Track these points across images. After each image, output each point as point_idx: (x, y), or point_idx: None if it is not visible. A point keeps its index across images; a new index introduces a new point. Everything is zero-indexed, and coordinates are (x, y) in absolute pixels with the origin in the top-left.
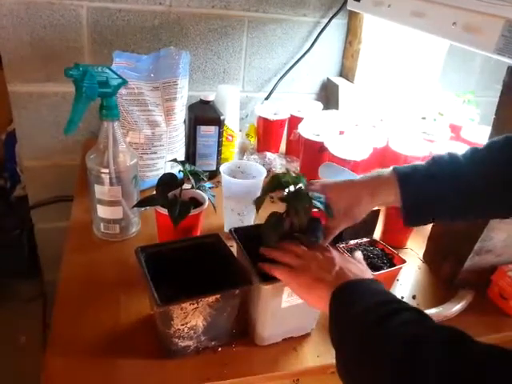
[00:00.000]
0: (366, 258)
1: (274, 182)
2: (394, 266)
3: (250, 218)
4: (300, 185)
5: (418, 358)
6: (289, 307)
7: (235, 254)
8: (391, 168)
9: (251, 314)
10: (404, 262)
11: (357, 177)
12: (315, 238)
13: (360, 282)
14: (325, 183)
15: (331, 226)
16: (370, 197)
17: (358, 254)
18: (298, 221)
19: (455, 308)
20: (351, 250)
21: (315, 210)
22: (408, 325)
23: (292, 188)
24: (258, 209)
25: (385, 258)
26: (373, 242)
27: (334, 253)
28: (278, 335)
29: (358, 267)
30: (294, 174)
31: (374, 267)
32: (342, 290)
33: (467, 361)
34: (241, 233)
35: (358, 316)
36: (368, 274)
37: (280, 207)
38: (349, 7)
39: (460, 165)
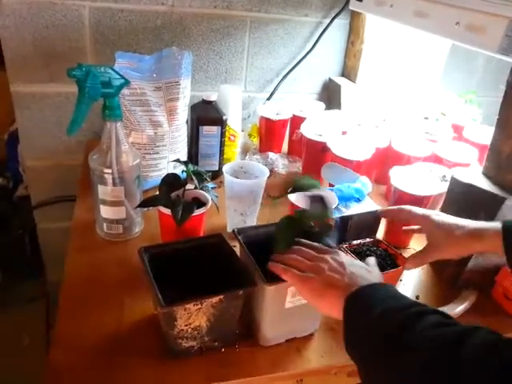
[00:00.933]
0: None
1: (300, 185)
2: (398, 266)
3: (253, 218)
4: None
5: (450, 360)
6: (292, 308)
7: (238, 254)
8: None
9: (255, 315)
10: None
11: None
12: (326, 244)
13: (374, 286)
14: (432, 219)
15: (422, 256)
16: (470, 241)
17: (372, 260)
18: (317, 226)
19: (458, 309)
20: (363, 255)
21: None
22: (434, 328)
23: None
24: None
25: (388, 259)
26: (376, 242)
27: (344, 256)
28: (282, 336)
29: (367, 271)
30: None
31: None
32: (357, 296)
33: (505, 361)
34: (244, 233)
35: (379, 322)
36: (378, 278)
37: (284, 208)
38: (351, 7)
39: None
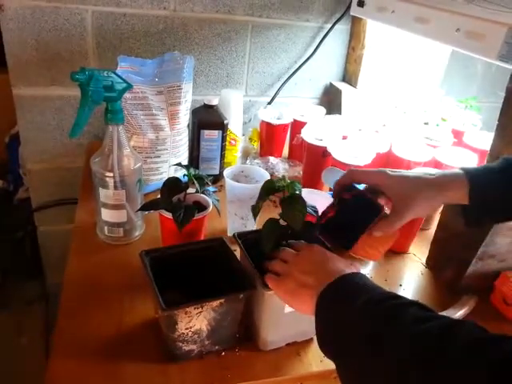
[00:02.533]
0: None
1: (268, 187)
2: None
3: (253, 222)
4: (296, 190)
5: (436, 357)
6: (292, 312)
7: (239, 258)
8: (459, 168)
9: (255, 319)
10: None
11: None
12: (308, 240)
13: (344, 279)
14: (380, 173)
15: (391, 220)
16: (437, 192)
17: None
18: (292, 225)
19: (458, 313)
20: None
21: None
22: (417, 323)
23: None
24: (255, 215)
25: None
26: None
27: (318, 251)
28: (282, 340)
29: (340, 261)
30: (289, 180)
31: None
32: (327, 294)
33: (490, 362)
34: (244, 237)
35: (357, 318)
36: (351, 268)
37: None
38: (352, 13)
39: None
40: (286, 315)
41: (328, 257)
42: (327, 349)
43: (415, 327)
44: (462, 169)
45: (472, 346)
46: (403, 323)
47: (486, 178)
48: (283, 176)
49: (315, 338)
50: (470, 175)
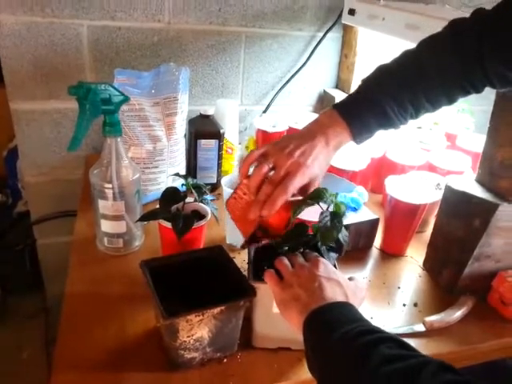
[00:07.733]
0: None
1: (315, 195)
2: None
3: None
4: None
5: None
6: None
7: (239, 264)
8: (331, 109)
9: (250, 315)
10: None
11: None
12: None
13: (328, 307)
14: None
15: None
16: (325, 144)
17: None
18: (323, 239)
19: (456, 314)
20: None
21: None
22: (392, 361)
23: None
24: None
25: None
26: None
27: (323, 269)
28: (275, 340)
29: (338, 285)
30: (341, 198)
31: None
32: (312, 319)
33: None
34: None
35: (333, 352)
36: (346, 294)
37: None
38: (343, 21)
39: (386, 74)
40: (275, 316)
41: (329, 278)
42: (311, 371)
43: (381, 370)
44: (335, 109)
45: None
46: (371, 364)
47: (355, 107)
48: (336, 193)
49: None
50: (350, 123)
